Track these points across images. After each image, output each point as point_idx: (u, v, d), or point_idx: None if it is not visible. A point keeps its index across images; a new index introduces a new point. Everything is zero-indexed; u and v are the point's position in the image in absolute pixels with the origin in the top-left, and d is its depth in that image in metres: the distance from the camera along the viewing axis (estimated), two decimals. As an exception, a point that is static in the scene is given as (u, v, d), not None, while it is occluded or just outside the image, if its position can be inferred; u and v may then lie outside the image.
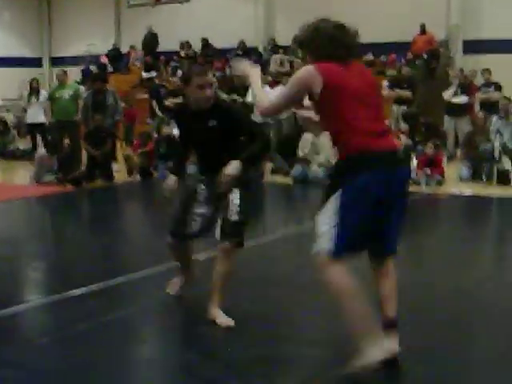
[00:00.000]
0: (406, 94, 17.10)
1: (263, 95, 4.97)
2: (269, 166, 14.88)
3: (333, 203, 4.43)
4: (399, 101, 17.31)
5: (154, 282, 6.83)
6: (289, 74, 19.49)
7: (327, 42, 4.72)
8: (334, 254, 4.37)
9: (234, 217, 5.46)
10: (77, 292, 6.44)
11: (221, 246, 5.49)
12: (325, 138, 13.89)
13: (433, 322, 5.63)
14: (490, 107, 15.44)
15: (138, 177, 14.93)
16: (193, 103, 5.58)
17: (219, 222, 5.53)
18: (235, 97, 17.89)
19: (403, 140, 14.33)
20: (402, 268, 5.20)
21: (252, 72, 5.13)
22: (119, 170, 15.39)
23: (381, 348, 4.39)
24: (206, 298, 5.58)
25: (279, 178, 14.50)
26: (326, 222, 4.45)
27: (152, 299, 6.29)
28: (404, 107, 17.08)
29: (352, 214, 4.37)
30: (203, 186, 5.76)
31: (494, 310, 5.99)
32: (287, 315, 5.83)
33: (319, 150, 14.06)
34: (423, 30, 22.07)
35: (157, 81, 20.93)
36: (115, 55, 27.64)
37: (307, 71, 4.58)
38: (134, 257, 8.19)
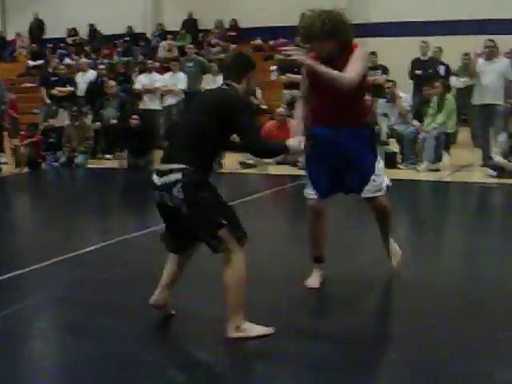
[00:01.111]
0: (297, 78, 17.09)
1: (337, 72, 5.47)
2: (159, 154, 14.77)
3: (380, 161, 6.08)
4: (290, 85, 17.39)
5: (43, 277, 6.75)
6: (177, 60, 19.42)
7: (351, 28, 5.68)
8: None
9: None
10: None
11: None
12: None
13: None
14: (376, 91, 15.67)
15: (25, 168, 14.63)
16: None
17: None
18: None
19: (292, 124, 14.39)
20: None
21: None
22: (7, 162, 15.06)
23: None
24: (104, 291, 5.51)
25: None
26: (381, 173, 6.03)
27: (43, 293, 6.20)
28: (295, 91, 17.16)
29: None
30: None
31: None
32: (182, 303, 5.79)
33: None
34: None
35: (51, 70, 20.43)
36: (0, 43, 26.95)
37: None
38: (23, 251, 8.03)
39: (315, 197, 6.05)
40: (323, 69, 5.43)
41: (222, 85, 5.26)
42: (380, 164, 6.09)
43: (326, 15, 5.62)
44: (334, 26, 5.58)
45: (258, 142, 5.11)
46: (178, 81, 17.10)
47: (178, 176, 4.82)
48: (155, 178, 4.94)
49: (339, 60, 5.58)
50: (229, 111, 4.96)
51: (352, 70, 5.49)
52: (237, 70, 5.23)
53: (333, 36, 5.58)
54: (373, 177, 5.96)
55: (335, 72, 5.44)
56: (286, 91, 17.52)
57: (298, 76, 17.09)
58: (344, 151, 5.84)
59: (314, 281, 6.19)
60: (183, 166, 4.84)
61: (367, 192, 5.99)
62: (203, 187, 4.91)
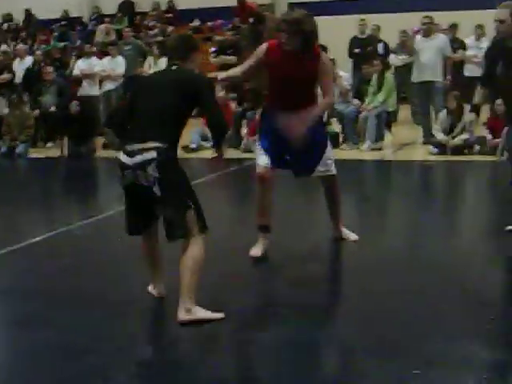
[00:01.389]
0: (231, 59, 16.99)
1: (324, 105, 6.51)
2: (100, 140, 14.65)
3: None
4: (225, 67, 17.31)
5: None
6: (115, 44, 19.19)
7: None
8: None
9: None
10: None
11: None
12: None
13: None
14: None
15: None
16: None
17: None
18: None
19: (232, 108, 14.40)
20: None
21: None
22: None
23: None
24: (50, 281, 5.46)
25: (112, 153, 14.27)
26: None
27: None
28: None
29: None
30: None
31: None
32: (128, 294, 5.75)
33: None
34: (240, 4, 21.98)
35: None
36: None
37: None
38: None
39: (265, 166, 6.41)
40: (318, 111, 6.37)
41: (169, 66, 5.39)
42: (330, 151, 6.64)
43: (308, 17, 6.26)
44: (312, 29, 6.24)
45: (222, 117, 5.25)
46: (117, 65, 16.85)
47: (154, 154, 4.92)
48: (125, 158, 5.02)
49: (304, 59, 6.24)
50: (195, 89, 5.14)
51: (330, 90, 6.47)
52: (182, 52, 5.36)
53: (315, 36, 6.28)
54: (324, 157, 6.53)
55: (323, 106, 6.49)
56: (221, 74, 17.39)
57: (231, 57, 17.09)
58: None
59: (256, 250, 6.58)
60: (157, 144, 4.95)
61: (319, 172, 6.57)
62: (177, 166, 5.09)
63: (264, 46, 6.37)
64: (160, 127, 5.04)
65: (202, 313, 5.03)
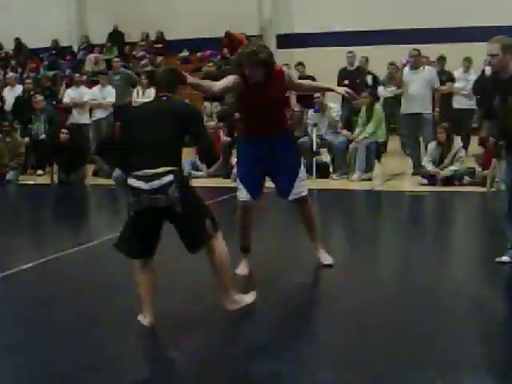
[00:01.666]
0: (206, 82, 16.93)
1: None
2: (90, 168, 14.65)
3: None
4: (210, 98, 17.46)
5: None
6: (105, 73, 19.27)
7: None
8: None
9: None
10: None
11: None
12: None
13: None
14: (305, 101, 15.75)
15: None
16: None
17: None
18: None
19: (222, 138, 14.46)
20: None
21: None
22: None
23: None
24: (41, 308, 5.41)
25: (101, 181, 14.29)
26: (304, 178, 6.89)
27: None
28: (216, 104, 17.22)
29: None
30: None
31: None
32: (119, 319, 5.74)
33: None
34: (228, 37, 22.09)
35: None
36: None
37: None
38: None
39: (244, 200, 6.81)
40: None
41: (161, 97, 5.63)
42: (303, 172, 6.99)
43: (265, 48, 6.48)
44: (269, 58, 6.44)
45: (212, 146, 5.67)
46: (108, 94, 16.95)
47: (171, 177, 5.25)
48: (139, 183, 5.26)
49: (271, 83, 6.54)
50: (188, 120, 5.51)
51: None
52: (170, 85, 5.67)
53: (265, 66, 6.42)
54: (297, 180, 6.81)
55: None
56: (206, 103, 17.55)
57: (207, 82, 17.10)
58: (273, 156, 6.73)
59: (243, 269, 6.97)
60: (171, 168, 5.28)
61: (294, 195, 6.83)
62: (188, 183, 5.64)
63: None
64: (166, 153, 5.35)
65: (247, 298, 5.75)
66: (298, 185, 6.81)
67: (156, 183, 5.22)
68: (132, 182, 5.31)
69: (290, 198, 6.84)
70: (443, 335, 5.23)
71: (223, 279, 5.54)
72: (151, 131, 5.41)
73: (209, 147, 5.60)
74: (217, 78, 17.42)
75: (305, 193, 6.90)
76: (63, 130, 14.44)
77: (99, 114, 16.87)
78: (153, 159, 5.30)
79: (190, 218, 5.35)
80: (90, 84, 18.09)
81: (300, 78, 16.80)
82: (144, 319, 5.54)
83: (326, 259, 7.16)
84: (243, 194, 6.80)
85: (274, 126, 6.71)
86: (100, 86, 17.21)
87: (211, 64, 20.10)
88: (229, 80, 6.61)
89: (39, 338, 5.42)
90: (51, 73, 22.28)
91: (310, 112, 14.92)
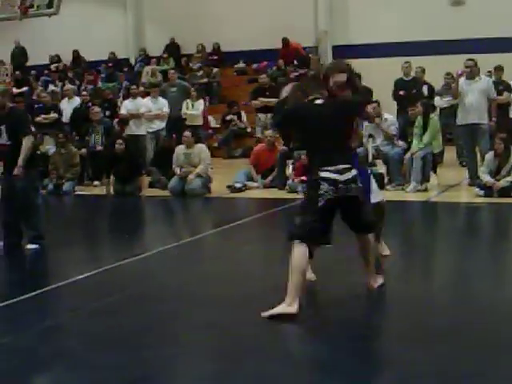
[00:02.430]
0: (272, 101, 16.90)
1: None
2: (146, 179, 14.77)
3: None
4: (264, 109, 17.56)
5: (35, 306, 6.75)
6: (159, 85, 19.49)
7: None
8: None
9: None
10: None
11: None
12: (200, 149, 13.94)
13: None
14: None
15: None
16: None
17: None
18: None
19: (279, 147, 14.47)
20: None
21: None
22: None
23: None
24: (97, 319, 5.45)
25: (157, 191, 14.40)
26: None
27: (36, 323, 6.14)
28: (270, 115, 17.23)
29: None
30: None
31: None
32: (174, 332, 5.78)
33: (193, 161, 13.92)
34: (285, 44, 22.32)
35: (35, 97, 20.40)
36: (-18, 71, 26.90)
37: None
38: (13, 281, 8.01)
39: None
40: None
41: (316, 99, 6.44)
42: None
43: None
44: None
45: None
46: (162, 105, 17.11)
47: (355, 172, 6.23)
48: (335, 175, 6.13)
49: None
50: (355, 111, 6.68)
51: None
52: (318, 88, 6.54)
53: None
54: None
55: None
56: (260, 115, 17.58)
57: (272, 99, 17.15)
58: None
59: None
60: (350, 164, 6.24)
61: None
62: None
63: None
64: (343, 151, 6.30)
65: (379, 279, 6.69)
66: None
67: (348, 175, 6.16)
68: (327, 174, 6.13)
69: None
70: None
71: (369, 260, 6.60)
72: (330, 132, 6.29)
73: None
74: (271, 90, 17.66)
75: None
76: (118, 141, 14.55)
77: (158, 125, 17.05)
78: (336, 157, 6.20)
79: (364, 207, 6.45)
80: (147, 95, 18.27)
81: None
82: (291, 308, 5.94)
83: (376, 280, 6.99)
84: None
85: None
86: (151, 97, 17.34)
87: (264, 76, 20.13)
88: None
89: (92, 351, 5.43)
90: (110, 85, 22.60)
91: (366, 122, 14.83)
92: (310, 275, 6.92)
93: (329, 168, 6.13)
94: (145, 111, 17.00)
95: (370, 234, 6.60)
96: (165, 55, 24.32)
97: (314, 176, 6.19)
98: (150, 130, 17.05)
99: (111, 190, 14.43)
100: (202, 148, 14.20)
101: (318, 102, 6.46)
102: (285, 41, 22.32)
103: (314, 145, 6.37)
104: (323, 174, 6.12)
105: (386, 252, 7.76)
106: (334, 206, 6.18)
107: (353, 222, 6.43)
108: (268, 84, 18.87)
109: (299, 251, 6.05)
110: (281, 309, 5.93)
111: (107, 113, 17.80)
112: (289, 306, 5.93)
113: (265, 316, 5.88)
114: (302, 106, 6.51)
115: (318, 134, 6.29)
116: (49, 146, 16.40)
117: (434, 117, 14.18)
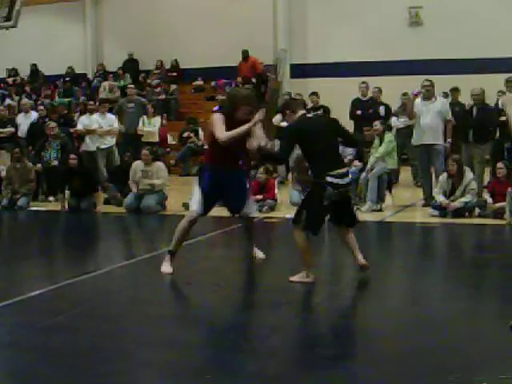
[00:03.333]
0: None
1: None
2: (102, 195, 14.67)
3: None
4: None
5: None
6: (116, 101, 19.39)
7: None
8: None
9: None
10: None
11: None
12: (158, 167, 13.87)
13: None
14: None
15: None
16: None
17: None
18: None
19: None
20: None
21: None
22: None
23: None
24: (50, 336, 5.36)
25: (112, 208, 14.31)
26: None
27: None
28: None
29: None
30: None
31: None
32: (123, 350, 5.74)
33: (151, 179, 13.84)
34: (245, 57, 22.47)
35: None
36: None
37: None
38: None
39: (199, 213, 8.24)
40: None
41: (303, 115, 7.89)
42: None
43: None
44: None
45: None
46: (112, 121, 16.87)
47: (350, 176, 7.82)
48: (337, 180, 7.42)
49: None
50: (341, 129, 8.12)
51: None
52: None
53: None
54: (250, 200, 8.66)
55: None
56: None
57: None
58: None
59: (167, 268, 8.26)
60: (346, 169, 7.80)
61: (244, 213, 8.49)
62: None
63: None
64: (339, 158, 7.92)
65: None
66: (249, 205, 8.58)
67: (347, 180, 7.59)
68: (331, 179, 7.36)
69: (241, 213, 8.50)
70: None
71: (356, 247, 7.92)
72: (326, 142, 7.60)
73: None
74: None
75: (253, 214, 8.89)
76: (72, 156, 14.45)
77: (108, 142, 16.81)
78: (333, 163, 7.53)
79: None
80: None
81: (313, 108, 16.91)
82: (308, 278, 7.59)
83: (259, 254, 8.86)
84: (196, 209, 8.27)
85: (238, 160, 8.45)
86: (100, 113, 17.09)
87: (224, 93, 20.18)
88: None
89: (45, 367, 5.39)
90: (66, 100, 22.47)
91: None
92: (260, 254, 8.82)
93: (332, 173, 7.39)
94: (96, 127, 16.77)
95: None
96: (120, 71, 24.23)
97: (321, 180, 7.41)
98: (102, 147, 16.80)
99: (66, 206, 14.30)
100: (160, 166, 14.12)
101: (309, 115, 8.11)
102: (245, 53, 22.42)
103: (317, 153, 7.52)
104: (329, 179, 7.36)
105: (260, 255, 8.91)
106: (332, 204, 7.49)
107: (344, 216, 7.81)
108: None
109: (301, 235, 7.58)
110: (299, 278, 7.59)
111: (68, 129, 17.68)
112: (307, 278, 7.59)
113: (292, 280, 7.58)
114: (301, 122, 7.70)
115: (320, 142, 7.52)
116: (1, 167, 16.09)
117: (389, 134, 14.22)
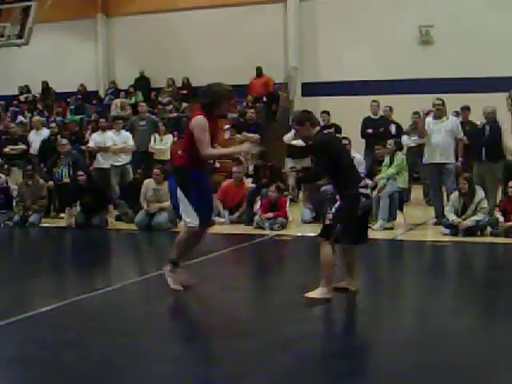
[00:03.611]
0: (255, 137, 16.84)
1: None
2: (113, 212, 14.69)
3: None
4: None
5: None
6: (127, 118, 19.37)
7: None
8: None
9: (327, 221, 7.72)
10: None
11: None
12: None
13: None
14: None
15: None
16: None
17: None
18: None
19: (248, 184, 14.51)
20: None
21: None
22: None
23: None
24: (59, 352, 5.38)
25: (123, 225, 14.32)
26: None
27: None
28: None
29: None
30: None
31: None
32: (137, 365, 5.73)
33: (162, 198, 13.84)
34: (259, 73, 22.53)
35: (2, 128, 20.24)
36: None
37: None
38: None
39: (197, 224, 8.00)
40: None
41: (320, 131, 8.00)
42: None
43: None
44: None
45: None
46: (127, 138, 16.89)
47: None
48: (368, 191, 7.91)
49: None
50: None
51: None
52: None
53: None
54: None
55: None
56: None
57: (254, 135, 17.17)
58: None
59: (176, 285, 8.13)
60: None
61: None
62: None
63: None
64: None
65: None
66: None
67: (370, 191, 8.11)
68: (363, 190, 7.70)
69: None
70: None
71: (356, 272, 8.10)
72: (346, 158, 8.12)
73: None
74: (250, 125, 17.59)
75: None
76: (80, 173, 14.49)
77: (122, 159, 16.81)
78: (359, 175, 8.17)
79: None
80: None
81: (325, 126, 16.86)
82: (328, 294, 7.58)
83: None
84: (193, 220, 8.06)
85: None
86: (114, 130, 17.12)
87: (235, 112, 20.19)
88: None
89: (53, 381, 5.40)
90: (78, 117, 22.55)
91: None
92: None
93: (361, 185, 7.74)
94: (110, 144, 16.80)
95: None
96: (131, 89, 24.28)
97: (355, 192, 7.63)
98: (116, 164, 16.78)
99: (73, 223, 14.29)
100: (171, 185, 14.11)
101: (325, 132, 8.63)
102: (259, 70, 22.48)
103: (345, 166, 7.77)
104: (362, 191, 7.67)
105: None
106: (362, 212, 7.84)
107: (362, 231, 8.04)
108: (253, 119, 18.59)
109: (329, 250, 7.56)
110: (319, 294, 7.52)
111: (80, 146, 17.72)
112: (327, 294, 7.55)
113: (306, 297, 7.50)
114: (326, 137, 7.97)
115: (345, 157, 8.05)
116: (13, 186, 16.12)
117: (400, 153, 14.24)
